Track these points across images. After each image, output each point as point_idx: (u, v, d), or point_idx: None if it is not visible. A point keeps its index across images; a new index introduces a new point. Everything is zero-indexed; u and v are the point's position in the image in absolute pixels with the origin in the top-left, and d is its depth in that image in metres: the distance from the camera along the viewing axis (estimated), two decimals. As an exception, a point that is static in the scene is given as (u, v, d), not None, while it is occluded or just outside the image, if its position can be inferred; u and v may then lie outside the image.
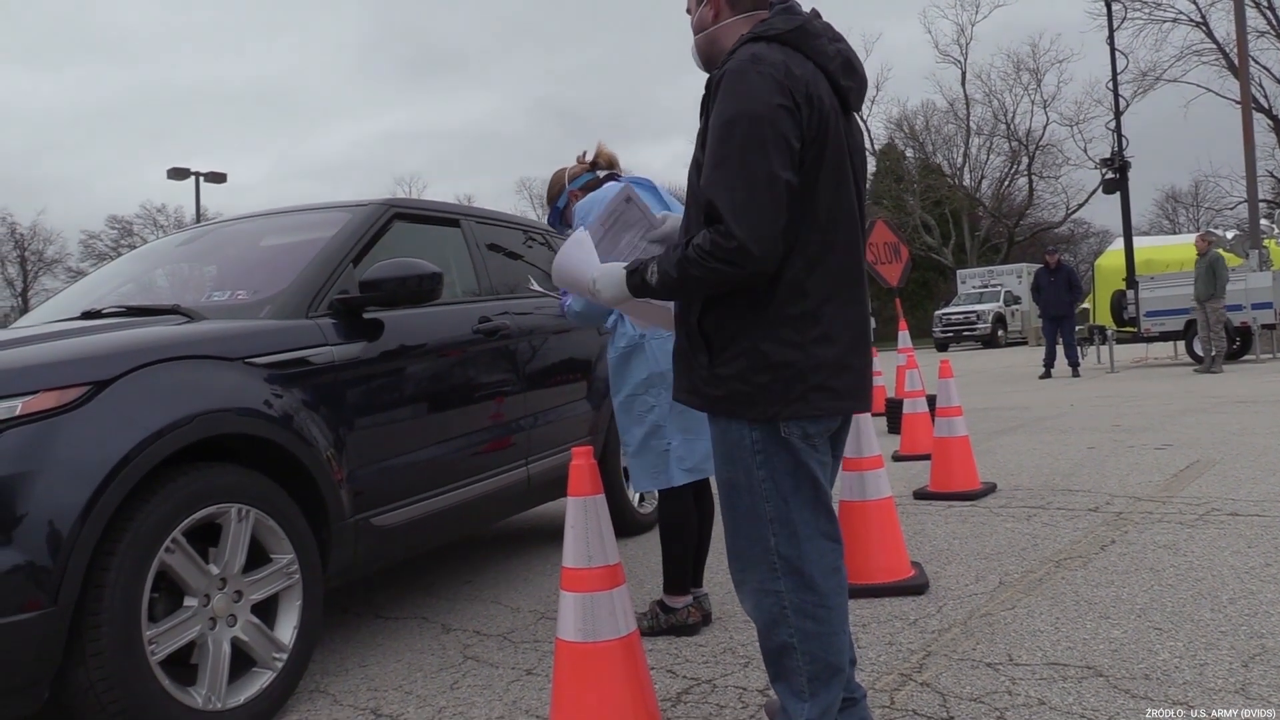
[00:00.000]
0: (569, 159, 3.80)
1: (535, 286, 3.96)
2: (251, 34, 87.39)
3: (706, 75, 2.13)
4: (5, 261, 51.74)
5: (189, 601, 2.66)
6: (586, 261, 2.22)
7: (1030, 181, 49.12)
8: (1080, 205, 48.31)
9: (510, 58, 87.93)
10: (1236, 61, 22.56)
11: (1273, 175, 38.71)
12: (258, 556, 2.89)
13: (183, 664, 2.65)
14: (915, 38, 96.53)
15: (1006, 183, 50.25)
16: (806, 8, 2.13)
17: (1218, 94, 36.77)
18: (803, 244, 1.99)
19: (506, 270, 4.55)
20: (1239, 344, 15.90)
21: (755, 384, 2.00)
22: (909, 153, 50.90)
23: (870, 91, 48.48)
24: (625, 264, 2.12)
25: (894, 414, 8.52)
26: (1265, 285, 15.52)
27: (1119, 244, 20.84)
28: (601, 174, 3.66)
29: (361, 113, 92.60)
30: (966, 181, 49.98)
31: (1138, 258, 19.13)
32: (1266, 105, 36.84)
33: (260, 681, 2.81)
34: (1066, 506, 5.00)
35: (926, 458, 6.41)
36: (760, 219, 1.89)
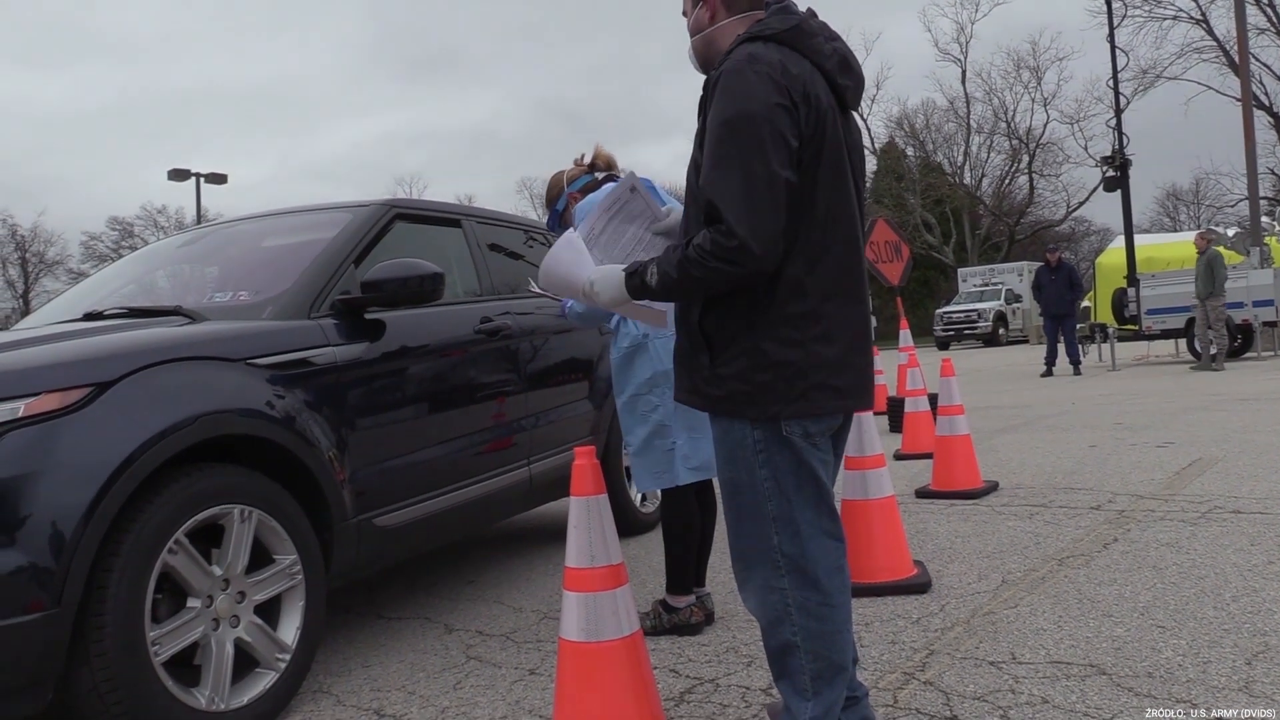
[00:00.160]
0: (570, 159, 3.80)
1: (535, 288, 3.96)
2: (253, 34, 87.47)
3: (704, 76, 2.13)
4: (6, 263, 51.84)
5: (192, 602, 2.66)
6: (580, 263, 2.20)
7: (1031, 180, 49.14)
8: (1081, 203, 48.39)
9: (511, 58, 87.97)
10: (1237, 59, 22.54)
11: (1273, 173, 38.69)
12: (260, 557, 2.89)
13: (186, 665, 2.65)
14: (915, 36, 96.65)
15: (1007, 181, 50.26)
16: (802, 7, 2.13)
17: (1218, 91, 36.79)
18: (802, 243, 1.99)
19: (508, 270, 4.55)
20: (1240, 341, 15.89)
21: (756, 383, 2.00)
22: (909, 151, 50.88)
23: (870, 90, 48.78)
24: (623, 266, 2.11)
25: (896, 413, 8.52)
26: (1266, 283, 15.51)
27: (1120, 242, 20.83)
28: (600, 176, 3.67)
29: (362, 113, 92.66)
30: (967, 180, 49.98)
31: (1139, 255, 19.13)
32: (1267, 102, 36.81)
33: (263, 682, 2.82)
34: (1069, 505, 5.00)
35: (928, 456, 6.41)
36: (761, 218, 1.89)
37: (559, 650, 2.31)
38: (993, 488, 5.56)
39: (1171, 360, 16.93)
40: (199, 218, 32.11)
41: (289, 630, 2.92)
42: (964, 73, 48.71)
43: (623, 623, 2.27)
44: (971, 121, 49.21)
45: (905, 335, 8.05)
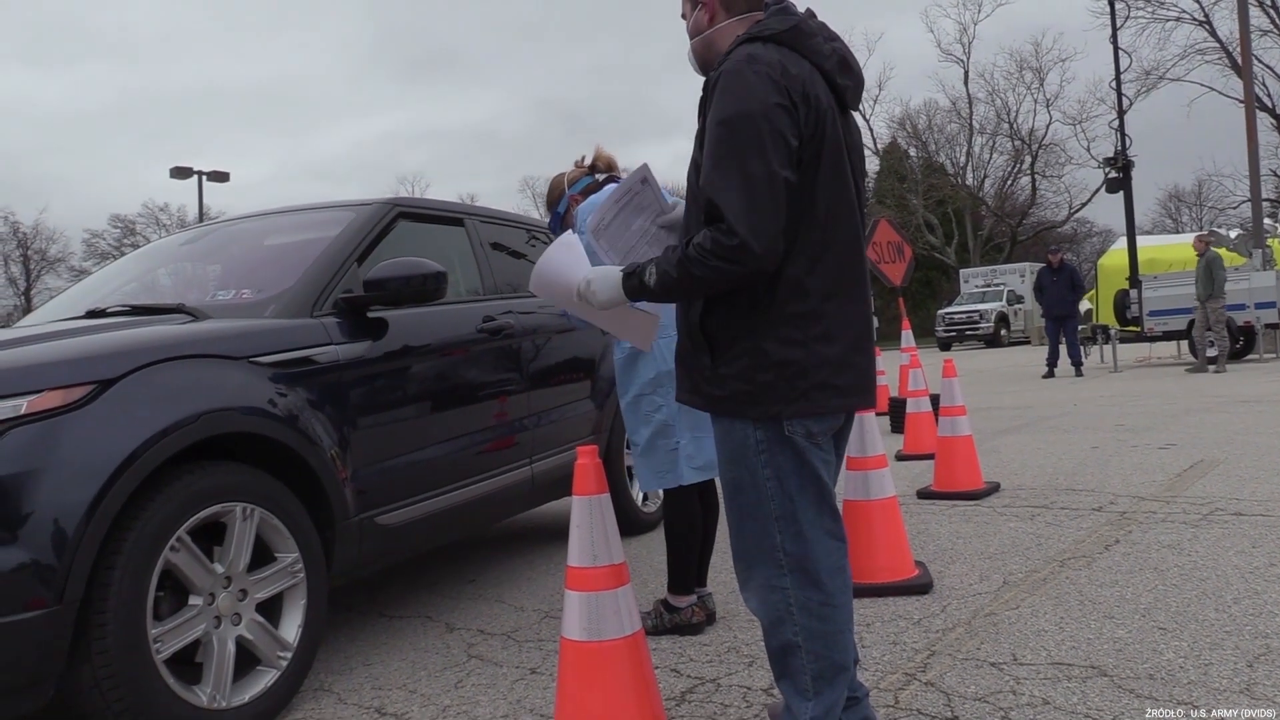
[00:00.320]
0: (571, 159, 3.80)
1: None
2: (254, 34, 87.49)
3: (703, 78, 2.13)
4: (8, 260, 51.88)
5: (194, 600, 2.67)
6: (576, 265, 2.18)
7: (1033, 180, 49.12)
8: (1083, 204, 48.41)
9: (511, 58, 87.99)
10: (1240, 60, 22.53)
11: (1276, 174, 38.65)
12: (262, 555, 2.89)
13: (187, 662, 2.65)
14: (918, 36, 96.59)
15: (1009, 182, 50.28)
16: (801, 8, 2.13)
17: (1221, 93, 36.74)
18: (803, 242, 1.99)
19: (510, 269, 4.56)
20: (1242, 344, 15.88)
21: (758, 383, 2.00)
22: (912, 152, 50.88)
23: (873, 90, 48.83)
24: (621, 267, 2.11)
25: (897, 413, 8.52)
26: (1269, 284, 15.49)
27: (1122, 243, 20.82)
28: (600, 177, 3.66)
29: (364, 112, 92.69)
30: (969, 180, 49.97)
31: (1141, 257, 19.12)
32: (1270, 104, 36.77)
33: (265, 680, 2.82)
34: (1070, 506, 5.00)
35: (930, 457, 6.41)
36: (761, 217, 1.89)
37: (560, 649, 2.31)
38: (994, 489, 5.56)
39: (1173, 362, 16.93)
40: (201, 216, 32.13)
41: (290, 628, 2.92)
42: (966, 73, 48.76)
43: (624, 622, 2.27)
44: (974, 122, 49.25)
45: (907, 336, 8.05)
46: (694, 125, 2.10)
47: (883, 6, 71.54)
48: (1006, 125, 48.88)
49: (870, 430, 3.86)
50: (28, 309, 45.92)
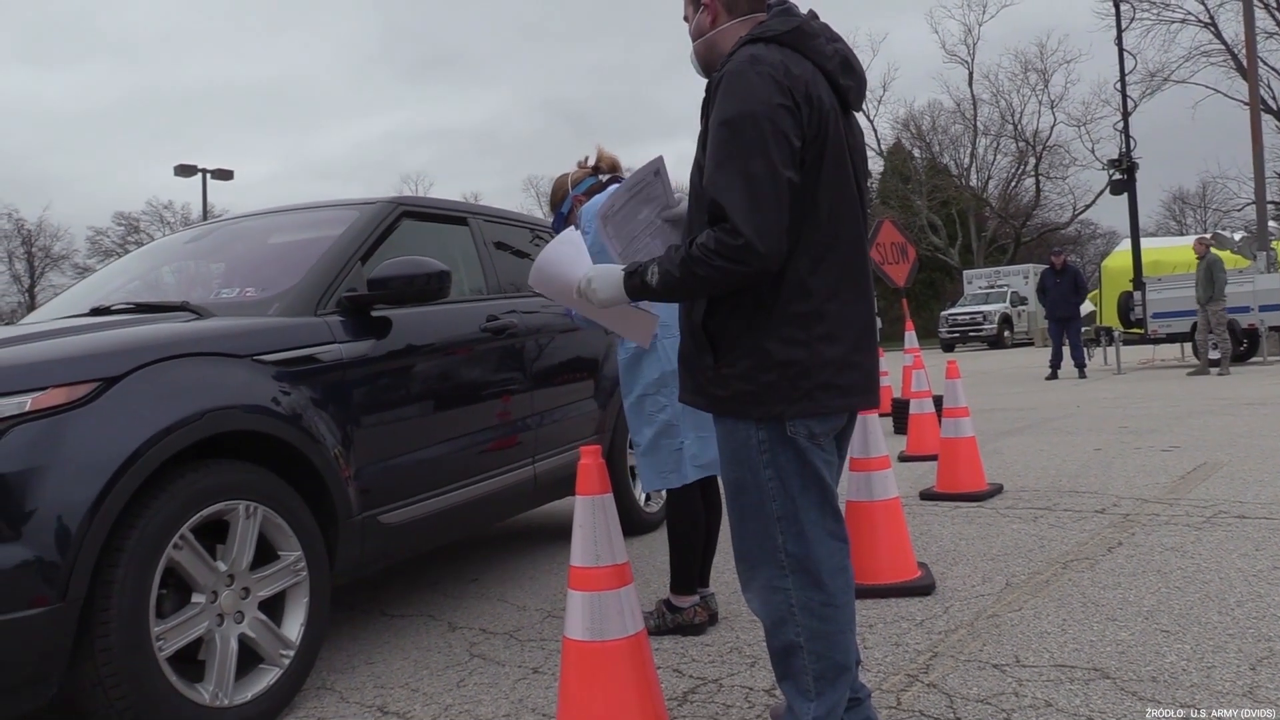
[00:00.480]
0: (575, 158, 3.80)
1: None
2: (259, 32, 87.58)
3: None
4: (13, 258, 51.90)
5: (197, 598, 2.67)
6: (577, 261, 2.18)
7: (1037, 182, 49.06)
8: (1087, 206, 48.34)
9: (514, 58, 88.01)
10: (1245, 63, 22.51)
11: (1280, 177, 38.59)
12: (265, 553, 2.89)
13: (190, 660, 2.65)
14: (922, 37, 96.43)
15: (1013, 183, 50.18)
16: (804, 9, 2.13)
17: (1226, 95, 36.73)
18: (805, 243, 1.99)
19: (514, 269, 4.56)
20: (1246, 346, 15.85)
21: (761, 383, 2.00)
22: (916, 153, 50.82)
23: (877, 91, 48.84)
24: (622, 266, 2.10)
25: (900, 414, 8.52)
26: (1273, 287, 15.46)
27: (1126, 245, 20.80)
28: (604, 178, 3.66)
29: (367, 111, 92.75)
30: (973, 182, 49.91)
31: (1145, 259, 19.12)
32: (1275, 106, 36.71)
33: (267, 678, 2.82)
34: (1073, 508, 4.99)
35: (933, 458, 6.40)
36: (765, 217, 1.89)
37: (563, 649, 2.31)
38: (997, 490, 5.56)
39: (1177, 364, 16.91)
40: (205, 214, 32.18)
41: (293, 627, 2.93)
42: (971, 74, 48.71)
43: (627, 622, 2.27)
44: (978, 123, 49.19)
45: (910, 337, 8.05)
46: (696, 126, 2.10)
47: (887, 7, 71.50)
48: (1011, 127, 48.84)
49: (873, 431, 3.85)
50: (32, 306, 46.03)
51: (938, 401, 6.92)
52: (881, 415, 7.94)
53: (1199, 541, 4.10)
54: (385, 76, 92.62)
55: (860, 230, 2.10)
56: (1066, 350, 15.00)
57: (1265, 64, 34.44)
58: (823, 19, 2.14)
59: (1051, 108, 47.84)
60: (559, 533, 5.23)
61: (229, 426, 2.78)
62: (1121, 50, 20.04)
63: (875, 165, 49.59)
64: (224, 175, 30.59)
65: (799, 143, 1.95)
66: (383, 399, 3.40)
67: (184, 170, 29.61)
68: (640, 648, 2.30)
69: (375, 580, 4.51)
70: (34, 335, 2.82)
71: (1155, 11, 35.97)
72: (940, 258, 46.50)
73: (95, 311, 3.46)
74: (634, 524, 4.88)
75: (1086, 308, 17.76)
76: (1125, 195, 19.58)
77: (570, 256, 2.19)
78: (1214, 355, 14.23)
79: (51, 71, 76.58)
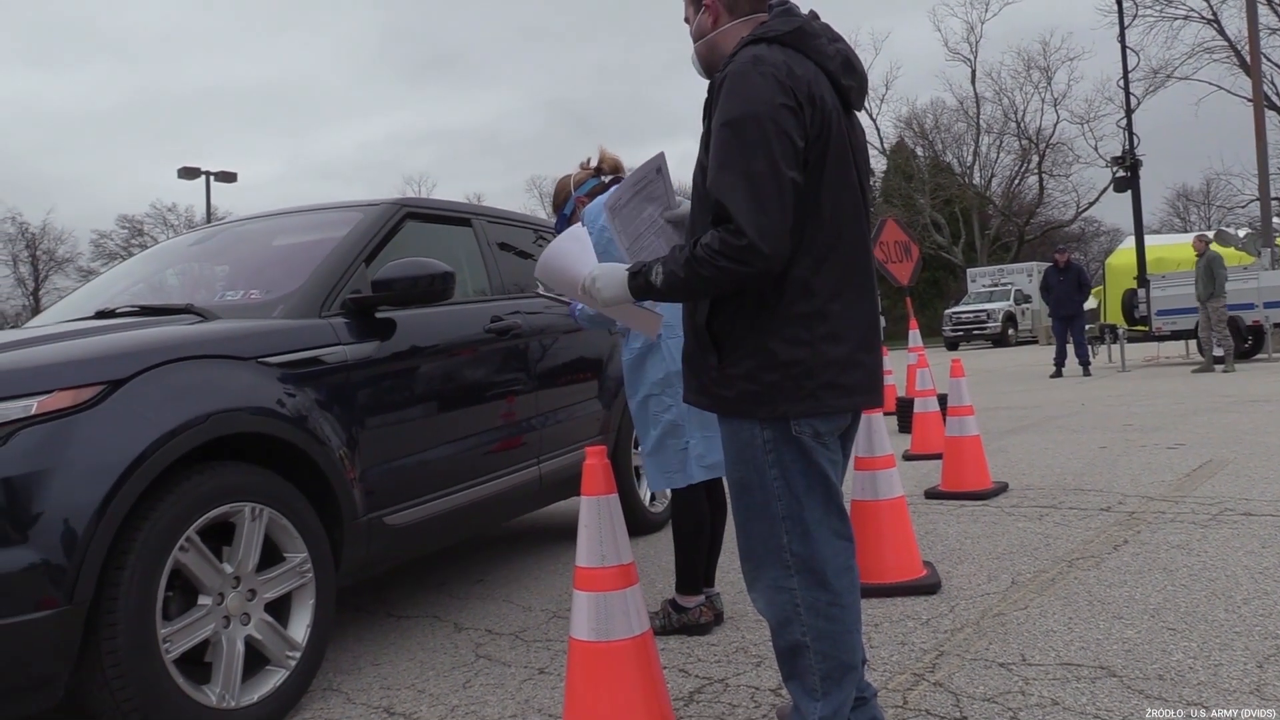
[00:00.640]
0: (578, 158, 3.80)
1: (544, 290, 3.96)
2: (262, 34, 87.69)
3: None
4: (17, 261, 51.98)
5: (203, 600, 2.67)
6: (582, 258, 2.19)
7: (1040, 180, 49.05)
8: (1091, 204, 48.34)
9: (518, 58, 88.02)
10: (1248, 59, 22.46)
11: (1285, 173, 38.49)
12: (271, 555, 2.90)
13: (197, 662, 2.66)
14: (925, 36, 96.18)
15: (1017, 181, 50.18)
16: (805, 8, 2.14)
17: (1229, 92, 36.68)
18: (808, 243, 1.99)
19: (518, 269, 4.56)
20: (1250, 343, 15.82)
21: (765, 383, 2.00)
22: (919, 151, 50.79)
23: (880, 90, 48.85)
24: (627, 266, 2.11)
25: (905, 413, 8.51)
26: (1278, 284, 15.42)
27: (1130, 242, 20.77)
28: (606, 179, 3.67)
29: (370, 112, 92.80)
30: (977, 180, 49.88)
31: (1149, 256, 19.06)
32: (1279, 102, 36.63)
33: (274, 680, 2.82)
34: (1079, 506, 4.99)
35: (937, 457, 6.39)
36: (769, 217, 1.89)
37: (569, 649, 2.31)
38: (1002, 489, 5.55)
39: (1182, 361, 16.88)
40: (209, 216, 32.23)
41: (299, 628, 2.93)
42: (974, 72, 48.70)
43: (633, 622, 2.28)
44: (981, 121, 49.18)
45: (915, 336, 8.04)
46: (698, 126, 2.10)
47: (889, 6, 71.32)
48: (1014, 124, 48.82)
49: (878, 430, 3.85)
50: (37, 309, 46.10)
51: (942, 400, 6.92)
52: (886, 414, 7.93)
53: (1205, 539, 4.10)
54: (387, 77, 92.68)
55: (863, 230, 2.10)
56: (1071, 348, 14.98)
57: (1268, 60, 34.39)
58: (826, 18, 2.15)
59: (1055, 105, 48.09)
60: (564, 533, 5.23)
61: (234, 429, 2.78)
62: (1124, 47, 19.99)
63: (878, 164, 49.56)
64: (227, 177, 30.64)
65: (802, 143, 1.95)
66: (387, 400, 3.41)
67: (187, 172, 29.67)
68: (646, 648, 2.30)
69: (381, 581, 4.51)
70: (39, 338, 2.83)
71: (1158, 8, 35.94)
72: (944, 256, 46.47)
73: (100, 315, 3.46)
74: (639, 524, 4.88)
75: (1089, 303, 17.73)
76: (1129, 192, 19.52)
77: (576, 253, 2.20)
78: (1217, 353, 14.20)
79: (53, 73, 76.73)
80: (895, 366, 9.53)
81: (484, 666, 3.22)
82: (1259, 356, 15.93)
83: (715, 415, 2.16)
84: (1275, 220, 19.37)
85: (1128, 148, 19.29)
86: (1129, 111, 19.70)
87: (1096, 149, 44.78)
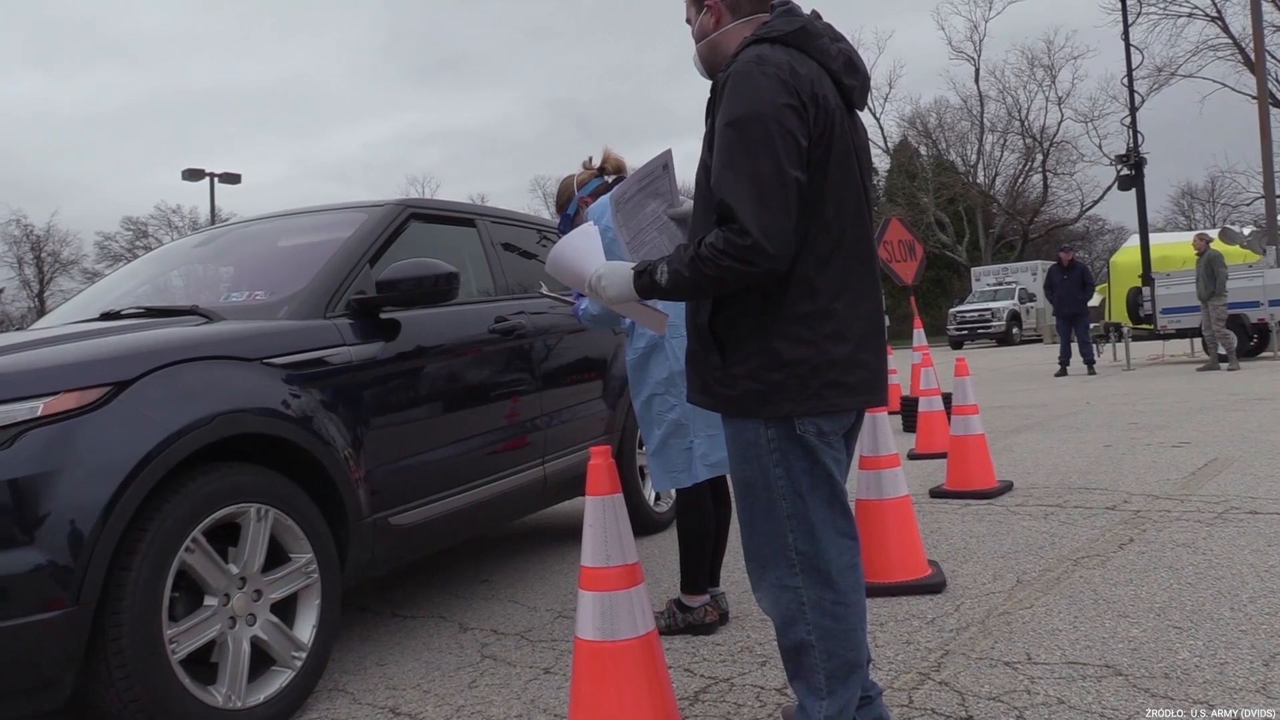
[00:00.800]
0: (582, 159, 3.80)
1: (548, 291, 3.96)
2: (266, 36, 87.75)
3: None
4: (22, 263, 52.10)
5: (209, 600, 2.68)
6: (590, 255, 2.20)
7: (1045, 178, 48.98)
8: (1095, 202, 48.22)
9: (522, 59, 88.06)
10: (1253, 56, 22.39)
11: (1289, 171, 38.36)
12: (277, 556, 2.90)
13: (203, 663, 2.66)
14: (928, 34, 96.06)
15: (1021, 180, 50.09)
16: (808, 8, 2.14)
17: (1234, 89, 36.53)
18: (812, 242, 1.99)
19: (522, 270, 4.56)
20: (1256, 341, 15.78)
21: (769, 382, 2.01)
22: (923, 150, 50.76)
23: (883, 89, 48.85)
24: (632, 264, 2.11)
25: (909, 412, 8.50)
26: (1283, 282, 15.39)
27: (1134, 241, 20.71)
28: (610, 179, 3.67)
29: (375, 114, 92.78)
30: (980, 179, 49.83)
31: (1153, 254, 19.00)
32: (1283, 100, 36.54)
33: (279, 680, 2.83)
34: (1084, 505, 4.98)
35: (942, 456, 6.39)
36: (773, 217, 1.89)
37: (574, 649, 2.32)
38: (1007, 487, 5.55)
39: (1186, 359, 16.85)
40: (213, 217, 32.28)
41: (305, 628, 2.94)
42: (977, 71, 48.73)
43: (638, 622, 2.28)
44: (985, 120, 49.12)
45: (919, 334, 8.03)
46: (702, 126, 2.11)
47: (893, 5, 71.26)
48: (1018, 123, 48.75)
49: (882, 429, 3.85)
50: (42, 311, 46.20)
51: (947, 399, 6.92)
52: (890, 413, 7.92)
53: (1210, 538, 4.09)
54: (392, 78, 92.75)
55: (866, 229, 2.10)
56: (1075, 347, 14.95)
57: (1273, 57, 34.26)
58: (829, 19, 2.15)
59: (1059, 104, 47.71)
60: (569, 533, 5.24)
61: (240, 429, 2.79)
62: (1128, 45, 19.93)
63: (882, 163, 49.55)
64: (232, 179, 30.69)
65: (805, 142, 1.95)
66: (392, 401, 3.41)
67: (192, 174, 29.72)
68: (651, 647, 2.30)
69: (386, 581, 4.52)
70: (45, 340, 2.83)
71: (1162, 6, 35.81)
72: (948, 255, 46.43)
73: (105, 316, 3.47)
74: (644, 524, 4.89)
75: (1094, 301, 17.69)
76: (1133, 191, 19.48)
77: (585, 249, 2.22)
78: (1222, 351, 14.17)
79: (58, 76, 76.86)
80: (900, 365, 9.53)
81: (489, 666, 3.23)
82: (1264, 354, 15.90)
83: (719, 414, 2.16)
84: (1280, 218, 19.30)
85: (1132, 146, 19.24)
86: (1133, 109, 19.66)
87: (1101, 147, 44.71)
